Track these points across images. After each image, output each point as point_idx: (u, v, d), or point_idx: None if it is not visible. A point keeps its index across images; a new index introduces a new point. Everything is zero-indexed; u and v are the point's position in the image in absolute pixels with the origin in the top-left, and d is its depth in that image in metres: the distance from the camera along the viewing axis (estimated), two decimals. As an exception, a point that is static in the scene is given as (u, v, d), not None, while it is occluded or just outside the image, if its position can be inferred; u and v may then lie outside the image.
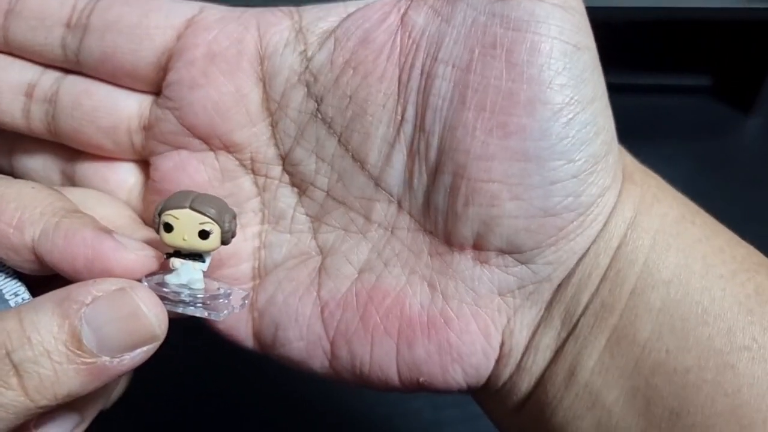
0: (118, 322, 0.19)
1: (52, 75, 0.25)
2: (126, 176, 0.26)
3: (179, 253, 0.21)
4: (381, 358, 0.23)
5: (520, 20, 0.20)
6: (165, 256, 0.21)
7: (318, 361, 0.24)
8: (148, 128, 0.25)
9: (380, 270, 0.23)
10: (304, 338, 0.23)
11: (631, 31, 0.61)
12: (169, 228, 0.21)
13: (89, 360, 0.19)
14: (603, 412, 0.21)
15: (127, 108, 0.25)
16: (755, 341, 0.20)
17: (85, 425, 0.22)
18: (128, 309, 0.19)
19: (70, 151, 0.26)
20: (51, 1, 0.24)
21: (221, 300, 0.21)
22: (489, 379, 0.23)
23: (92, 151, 0.25)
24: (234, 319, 0.24)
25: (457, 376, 0.23)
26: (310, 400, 0.41)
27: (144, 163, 0.26)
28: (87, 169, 0.26)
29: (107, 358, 0.19)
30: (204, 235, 0.21)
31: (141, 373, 0.24)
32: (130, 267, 0.20)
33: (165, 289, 0.21)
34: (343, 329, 0.23)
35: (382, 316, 0.23)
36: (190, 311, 0.21)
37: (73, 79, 0.25)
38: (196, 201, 0.21)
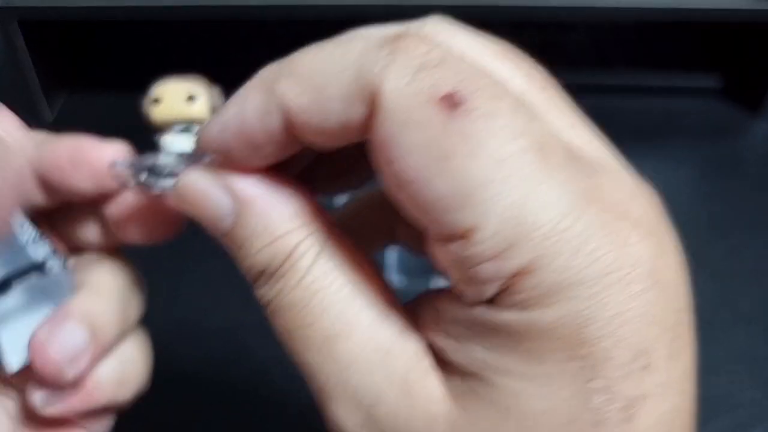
0: None
1: None
2: None
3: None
4: None
5: None
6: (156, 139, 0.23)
7: None
8: None
9: None
10: None
11: (641, 32, 0.61)
12: (158, 103, 0.22)
13: None
14: None
15: None
16: None
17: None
18: None
19: None
20: None
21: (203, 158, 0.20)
22: None
23: None
24: None
25: None
26: (312, 401, 0.41)
27: None
28: None
29: None
30: (191, 100, 0.22)
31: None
32: (105, 150, 0.21)
33: (139, 166, 0.21)
34: None
35: None
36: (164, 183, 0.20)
37: None
38: (180, 76, 0.23)
